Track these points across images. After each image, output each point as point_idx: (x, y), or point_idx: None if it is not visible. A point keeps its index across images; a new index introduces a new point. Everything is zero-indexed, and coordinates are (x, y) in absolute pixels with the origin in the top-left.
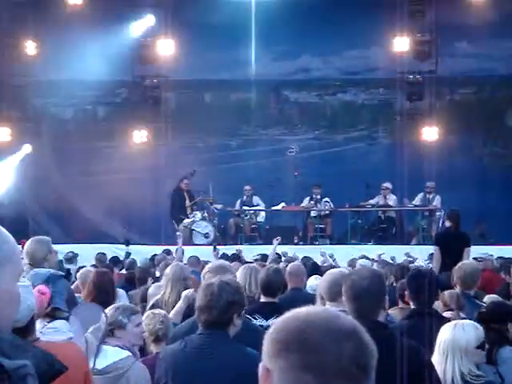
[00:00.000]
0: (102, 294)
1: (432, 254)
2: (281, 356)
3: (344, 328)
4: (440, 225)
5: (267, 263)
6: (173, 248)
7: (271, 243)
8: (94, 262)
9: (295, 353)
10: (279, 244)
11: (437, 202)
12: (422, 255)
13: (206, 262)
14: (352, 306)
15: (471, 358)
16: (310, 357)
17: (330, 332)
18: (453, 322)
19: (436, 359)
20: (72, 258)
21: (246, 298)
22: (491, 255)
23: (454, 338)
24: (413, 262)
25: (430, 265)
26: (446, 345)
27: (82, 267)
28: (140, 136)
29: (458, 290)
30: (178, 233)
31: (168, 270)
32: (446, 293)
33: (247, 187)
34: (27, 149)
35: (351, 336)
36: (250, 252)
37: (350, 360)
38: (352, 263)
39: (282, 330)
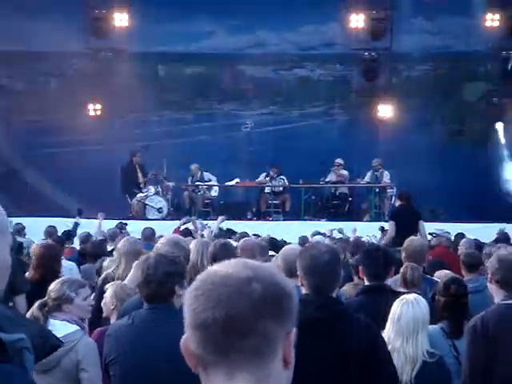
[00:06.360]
0: (45, 269)
1: (382, 227)
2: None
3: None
4: (392, 202)
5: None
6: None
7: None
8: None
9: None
10: (228, 220)
11: (386, 177)
12: (372, 231)
13: (160, 237)
14: (310, 281)
15: (426, 333)
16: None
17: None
18: (405, 299)
19: (391, 337)
20: (20, 230)
21: (188, 268)
22: (447, 232)
23: (415, 315)
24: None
25: (382, 241)
26: (406, 323)
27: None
28: (94, 109)
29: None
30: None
31: (120, 245)
32: (408, 268)
33: (193, 167)
34: None
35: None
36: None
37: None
38: (304, 240)
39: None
